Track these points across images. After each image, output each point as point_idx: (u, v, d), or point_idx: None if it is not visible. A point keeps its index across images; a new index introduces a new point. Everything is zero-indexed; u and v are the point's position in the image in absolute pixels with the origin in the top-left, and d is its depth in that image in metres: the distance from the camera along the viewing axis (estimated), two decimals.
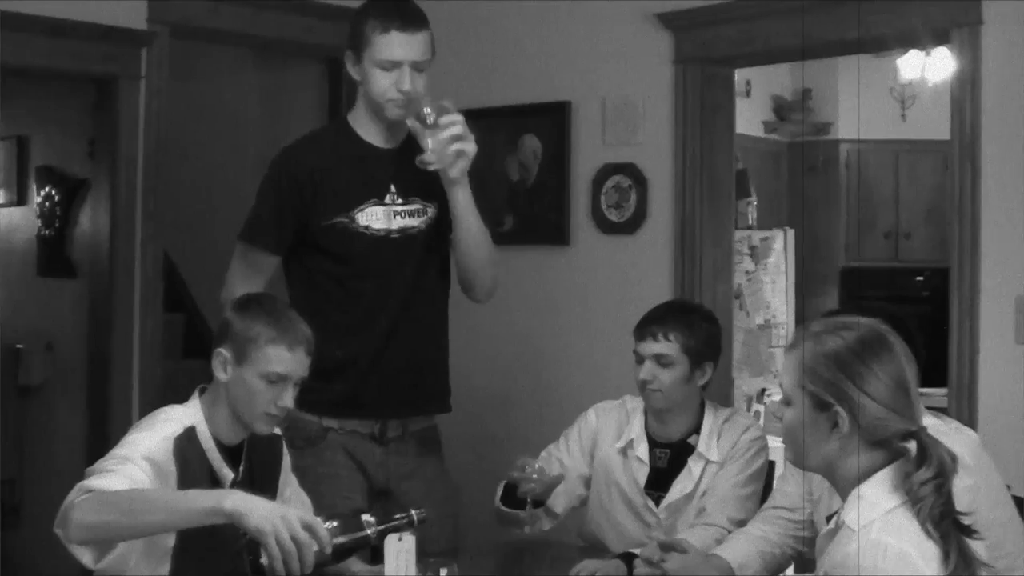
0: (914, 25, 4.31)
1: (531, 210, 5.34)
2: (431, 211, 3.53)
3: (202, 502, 2.50)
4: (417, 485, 3.56)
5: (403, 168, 3.46)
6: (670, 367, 3.44)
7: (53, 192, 6.78)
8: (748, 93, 8.21)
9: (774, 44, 4.71)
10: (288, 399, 2.87)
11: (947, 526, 2.20)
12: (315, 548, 2.42)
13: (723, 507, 3.42)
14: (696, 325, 3.51)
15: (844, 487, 2.32)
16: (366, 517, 2.59)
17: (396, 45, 3.35)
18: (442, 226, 3.56)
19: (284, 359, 2.84)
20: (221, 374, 2.87)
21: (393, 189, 3.49)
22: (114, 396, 5.17)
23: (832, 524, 2.33)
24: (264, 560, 2.39)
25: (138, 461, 2.67)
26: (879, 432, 2.26)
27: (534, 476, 3.30)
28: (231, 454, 2.92)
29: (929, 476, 2.21)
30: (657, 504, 3.51)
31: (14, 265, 7.18)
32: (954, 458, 2.25)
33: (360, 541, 2.56)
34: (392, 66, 3.36)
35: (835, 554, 2.24)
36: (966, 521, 2.24)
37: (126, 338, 5.19)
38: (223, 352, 2.86)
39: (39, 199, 6.93)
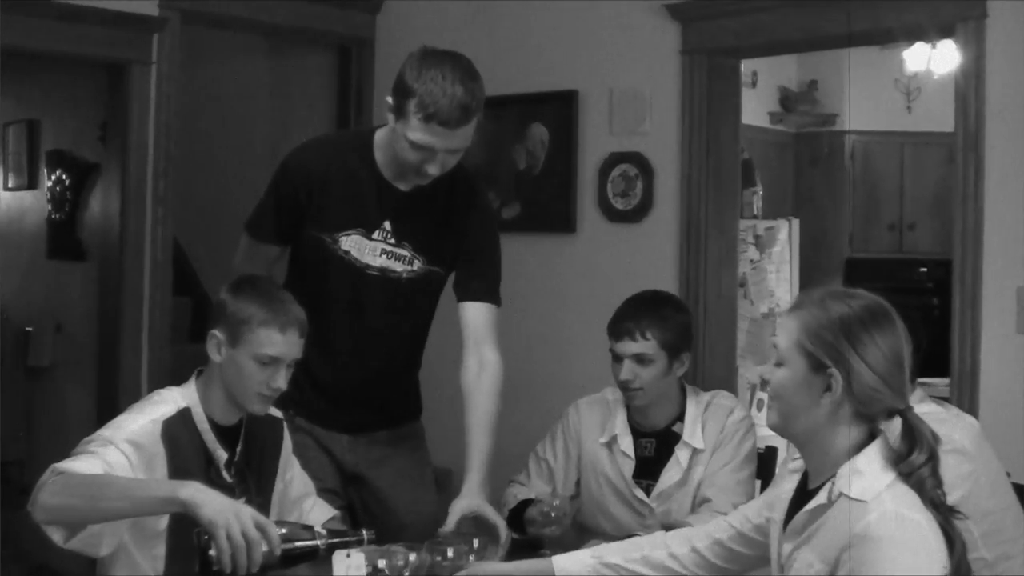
0: (920, 18, 4.34)
1: (538, 198, 5.37)
2: (418, 264, 3.38)
3: (159, 491, 2.53)
4: (388, 472, 3.53)
5: (406, 210, 3.35)
6: (650, 365, 3.45)
7: (64, 176, 6.82)
8: (754, 84, 8.23)
9: (780, 35, 4.73)
10: (281, 380, 2.88)
11: (945, 509, 2.23)
12: (264, 548, 2.44)
13: (726, 495, 3.44)
14: (670, 318, 3.50)
15: (824, 460, 2.31)
16: (318, 528, 2.62)
17: (433, 136, 3.09)
18: (431, 283, 3.44)
19: (276, 341, 2.84)
20: (215, 355, 2.88)
21: (387, 227, 3.35)
22: (122, 378, 5.22)
23: (823, 498, 2.30)
24: (213, 552, 2.42)
25: (120, 444, 2.69)
26: (870, 404, 2.27)
27: (553, 515, 3.26)
28: (227, 435, 2.93)
29: (924, 459, 2.23)
30: (648, 493, 3.53)
31: (24, 248, 7.23)
32: (936, 437, 2.27)
33: (309, 549, 2.56)
34: (426, 150, 3.13)
35: (855, 526, 2.20)
36: (950, 501, 2.26)
37: (135, 321, 5.23)
38: (217, 334, 2.87)
39: (50, 183, 6.97)
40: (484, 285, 3.43)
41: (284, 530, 2.54)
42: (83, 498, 2.54)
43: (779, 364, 2.35)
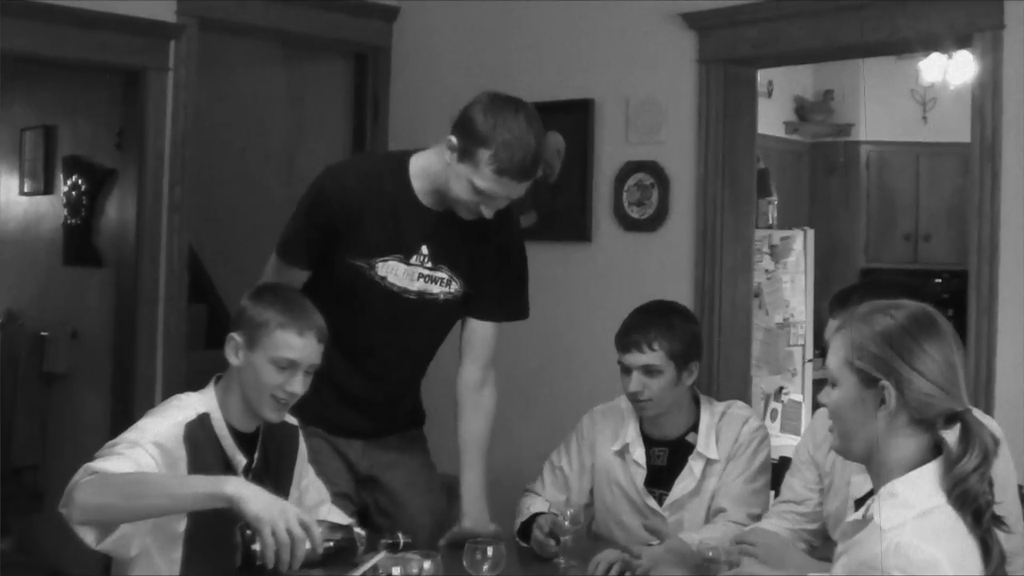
0: (936, 28, 4.33)
1: (554, 206, 5.37)
2: (455, 286, 3.42)
3: (201, 487, 2.54)
4: (401, 474, 3.59)
5: (441, 232, 3.35)
6: (658, 375, 3.44)
7: (80, 182, 6.83)
8: (770, 94, 8.22)
9: (797, 45, 4.73)
10: (297, 385, 2.88)
11: (989, 519, 2.21)
12: (307, 546, 2.46)
13: (741, 504, 3.44)
14: (677, 327, 3.49)
15: (883, 476, 2.29)
16: (357, 530, 2.65)
17: (503, 188, 3.15)
18: (464, 302, 3.48)
19: (294, 344, 2.86)
20: (233, 358, 2.90)
21: (424, 251, 3.36)
22: (138, 385, 5.24)
23: (860, 514, 2.30)
24: (256, 547, 2.44)
25: (146, 446, 2.70)
26: (926, 410, 2.24)
27: (567, 525, 3.28)
28: (245, 441, 2.94)
29: (974, 465, 2.19)
30: (660, 502, 3.52)
31: (40, 254, 7.24)
32: (997, 441, 2.25)
33: (349, 548, 2.61)
34: (489, 196, 3.19)
35: (862, 552, 2.21)
36: (1000, 512, 2.24)
37: (150, 327, 5.25)
38: (235, 337, 2.89)
39: (66, 188, 6.98)
40: (499, 307, 3.53)
41: (322, 528, 2.56)
42: (122, 496, 2.56)
43: (832, 386, 2.34)
